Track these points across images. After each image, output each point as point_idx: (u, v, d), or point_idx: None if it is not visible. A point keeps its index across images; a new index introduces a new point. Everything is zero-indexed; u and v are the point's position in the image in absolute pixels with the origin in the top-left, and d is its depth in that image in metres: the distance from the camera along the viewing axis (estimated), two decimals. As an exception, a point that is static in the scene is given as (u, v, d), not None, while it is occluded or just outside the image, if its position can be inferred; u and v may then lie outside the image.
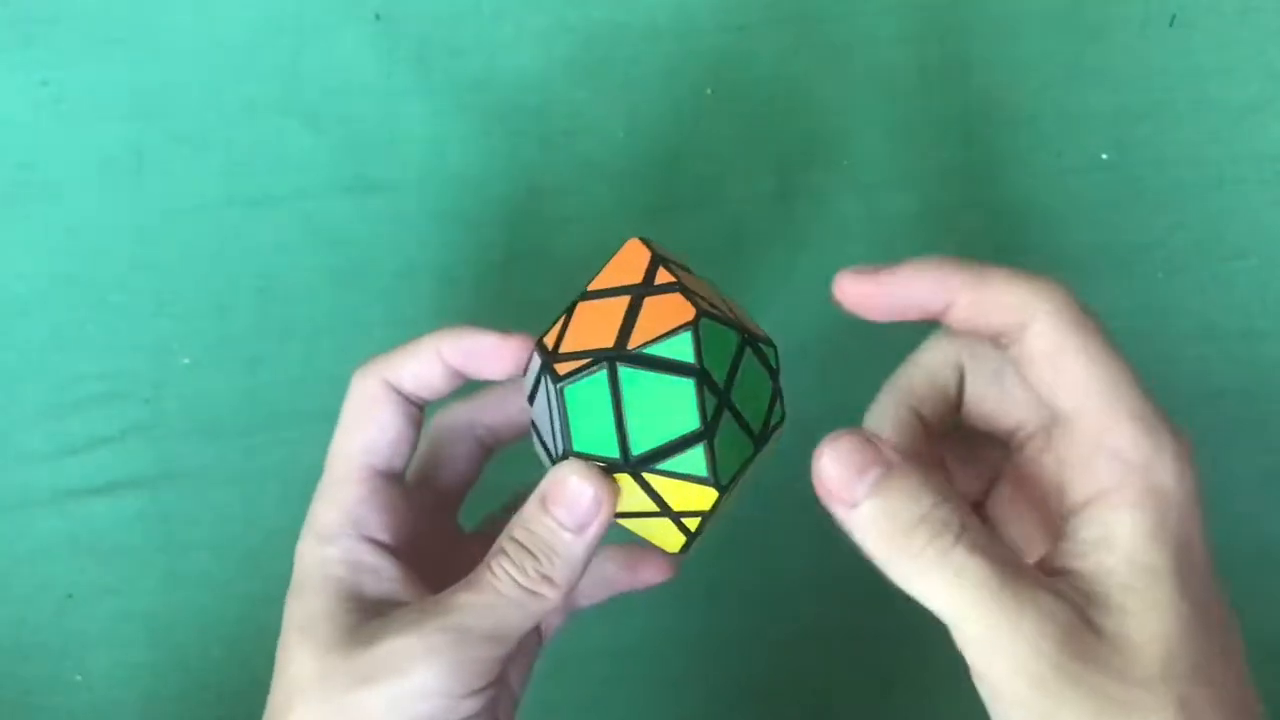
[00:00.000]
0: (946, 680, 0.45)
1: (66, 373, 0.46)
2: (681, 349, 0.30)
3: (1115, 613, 0.28)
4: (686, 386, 0.30)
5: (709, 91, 0.48)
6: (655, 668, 0.45)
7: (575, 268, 0.47)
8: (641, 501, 0.31)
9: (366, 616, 0.32)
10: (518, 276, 0.47)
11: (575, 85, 0.48)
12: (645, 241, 0.32)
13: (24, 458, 0.46)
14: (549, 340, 0.32)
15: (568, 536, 0.31)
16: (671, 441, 0.30)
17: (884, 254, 0.47)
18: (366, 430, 0.34)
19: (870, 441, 0.29)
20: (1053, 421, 0.31)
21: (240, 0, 0.49)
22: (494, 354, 0.34)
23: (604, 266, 0.32)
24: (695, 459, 0.30)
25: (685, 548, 0.32)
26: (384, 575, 0.33)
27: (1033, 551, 0.32)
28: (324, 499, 0.34)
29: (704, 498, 0.30)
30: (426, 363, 0.34)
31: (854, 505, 0.29)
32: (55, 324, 0.47)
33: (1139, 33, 0.48)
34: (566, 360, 0.31)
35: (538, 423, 0.33)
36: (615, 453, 0.30)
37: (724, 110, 0.48)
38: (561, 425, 0.31)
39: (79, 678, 0.45)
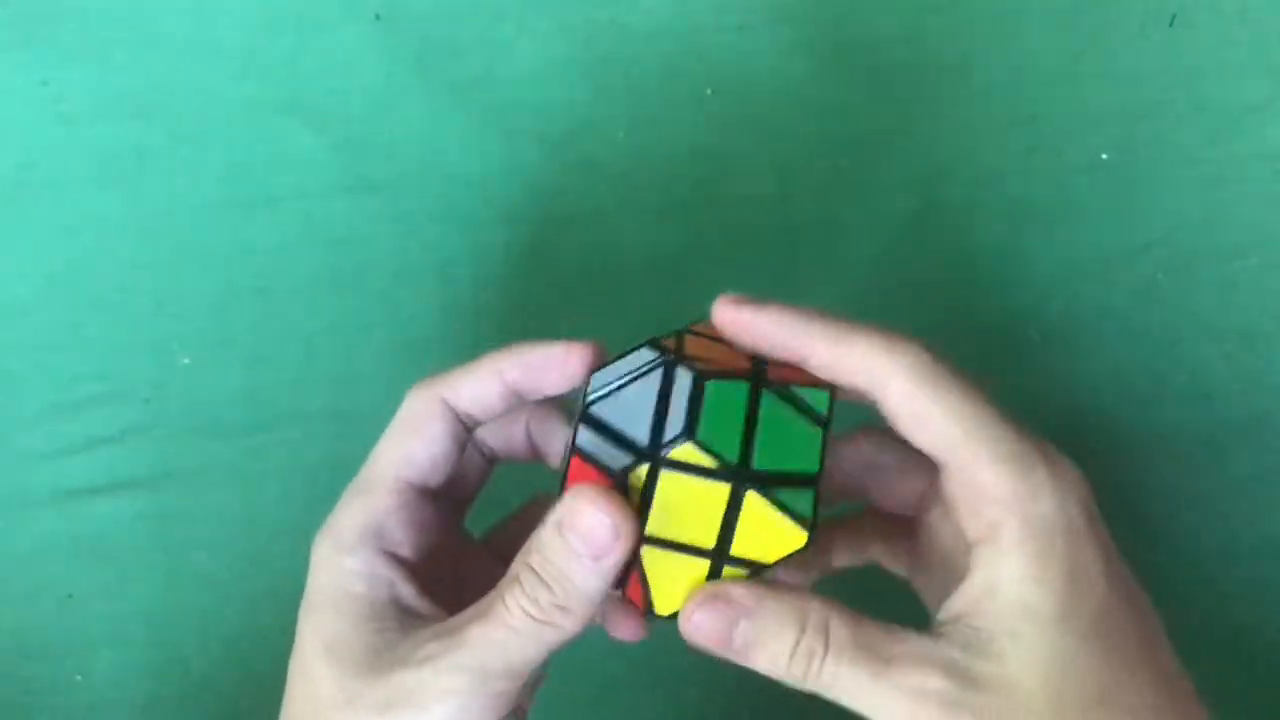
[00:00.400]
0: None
1: (66, 373, 0.46)
2: (820, 401, 0.32)
3: (997, 659, 0.29)
4: (817, 433, 0.31)
5: (709, 91, 0.48)
6: (655, 667, 0.45)
7: (575, 268, 0.47)
8: (700, 528, 0.31)
9: (388, 636, 0.32)
10: (518, 276, 0.47)
11: (575, 85, 0.48)
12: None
13: (24, 458, 0.46)
14: (673, 345, 0.32)
15: (583, 566, 0.30)
16: (789, 473, 0.31)
17: (884, 254, 0.47)
18: (409, 442, 0.34)
19: (719, 598, 0.31)
20: (943, 469, 0.32)
21: (240, 0, 0.49)
22: (559, 364, 0.33)
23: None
24: (804, 499, 0.31)
25: (673, 610, 0.32)
26: (402, 589, 0.33)
27: (955, 573, 0.33)
28: (351, 504, 0.34)
29: (788, 542, 0.31)
30: (484, 380, 0.34)
31: (738, 652, 0.31)
32: (55, 324, 0.47)
33: (1139, 33, 0.48)
34: (705, 364, 0.31)
35: (610, 417, 0.31)
36: (735, 457, 0.30)
37: (724, 110, 0.48)
38: (684, 413, 0.30)
39: (79, 678, 0.45)
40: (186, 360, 0.46)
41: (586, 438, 0.31)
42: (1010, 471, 0.30)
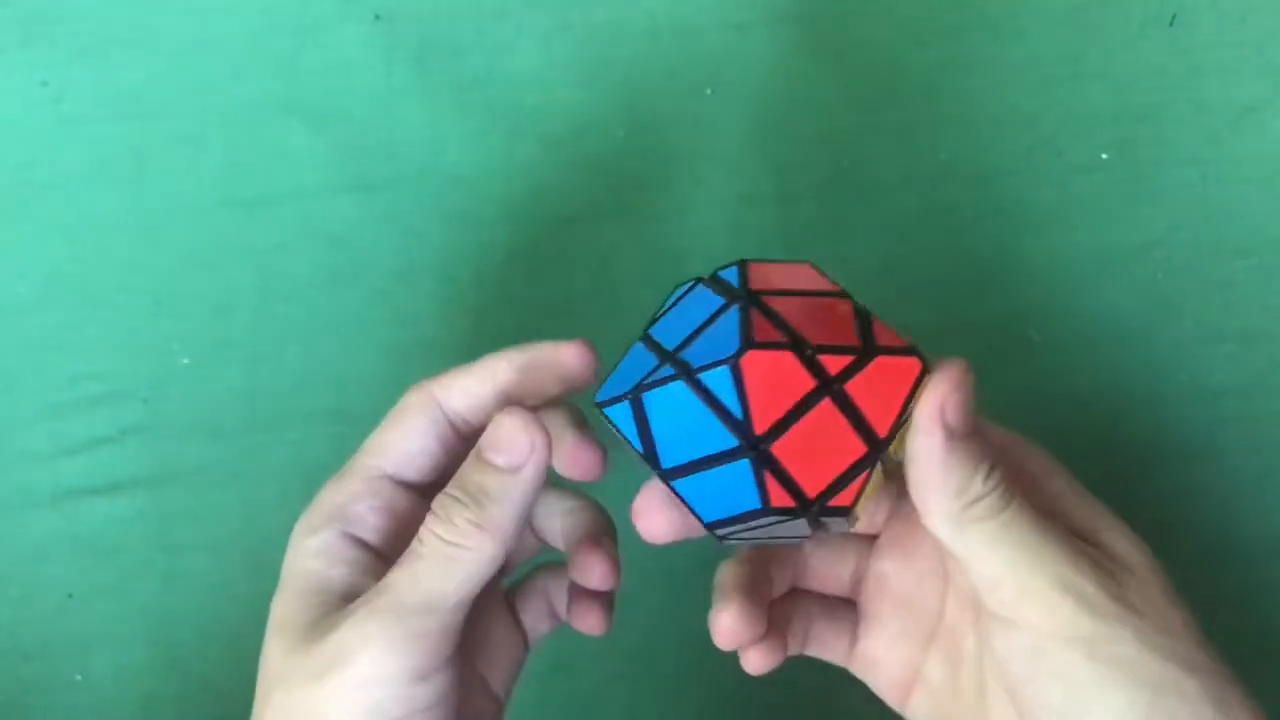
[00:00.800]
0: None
1: (66, 373, 0.46)
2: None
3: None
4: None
5: (709, 91, 0.48)
6: (655, 667, 0.45)
7: (575, 268, 0.47)
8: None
9: (329, 611, 0.31)
10: (518, 276, 0.47)
11: (575, 85, 0.48)
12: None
13: (24, 458, 0.46)
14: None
15: (501, 477, 0.30)
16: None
17: (884, 254, 0.47)
18: (390, 433, 0.34)
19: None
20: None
21: (240, 0, 0.49)
22: (552, 364, 0.33)
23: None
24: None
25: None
26: (358, 570, 0.32)
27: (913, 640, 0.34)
28: (327, 489, 0.34)
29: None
30: (478, 379, 0.33)
31: (952, 435, 0.29)
32: (55, 324, 0.47)
33: (1139, 33, 0.48)
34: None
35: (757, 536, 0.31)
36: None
37: (724, 110, 0.48)
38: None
39: (79, 677, 0.45)
40: (186, 360, 0.46)
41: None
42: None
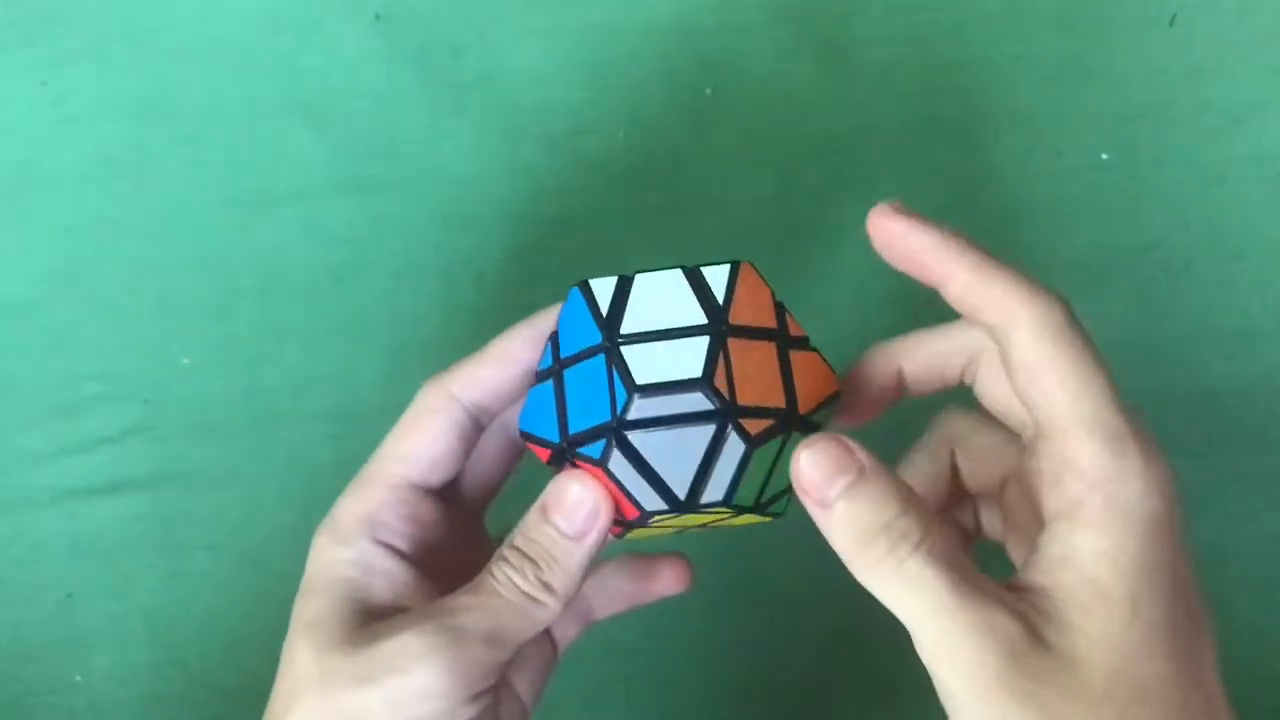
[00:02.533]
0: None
1: (66, 373, 0.46)
2: (826, 417, 0.33)
3: (1067, 630, 0.28)
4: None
5: (709, 91, 0.48)
6: (655, 667, 0.45)
7: (575, 268, 0.47)
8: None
9: (371, 619, 0.32)
10: (518, 276, 0.47)
11: (575, 85, 0.48)
12: (756, 270, 0.33)
13: (24, 458, 0.46)
14: (720, 383, 0.31)
15: (566, 544, 0.31)
16: (781, 491, 0.32)
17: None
18: (410, 439, 0.34)
19: (846, 445, 0.30)
20: (1036, 431, 0.31)
21: (240, 0, 0.49)
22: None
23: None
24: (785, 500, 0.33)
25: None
26: (396, 580, 0.33)
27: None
28: (350, 497, 0.34)
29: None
30: (495, 366, 0.34)
31: (827, 506, 0.30)
32: (55, 324, 0.47)
33: (1139, 33, 0.48)
34: (752, 417, 0.31)
35: (652, 458, 0.31)
36: (752, 501, 0.32)
37: (724, 110, 0.48)
38: (730, 478, 0.31)
39: (79, 678, 0.45)
40: (186, 360, 0.46)
41: (620, 464, 0.31)
42: (1104, 450, 0.29)
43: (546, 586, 0.31)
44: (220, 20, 0.48)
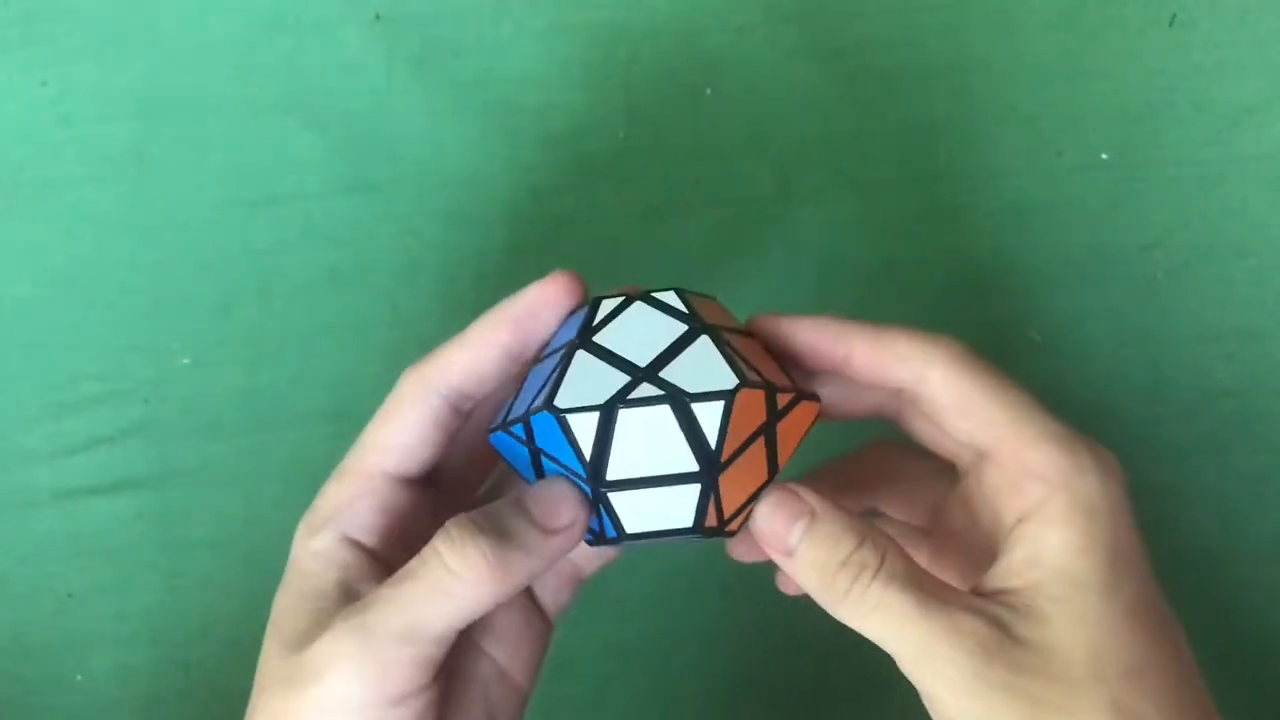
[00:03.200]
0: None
1: (66, 373, 0.46)
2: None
3: (1042, 623, 0.29)
4: None
5: (709, 91, 0.48)
6: (655, 667, 0.45)
7: (575, 268, 0.47)
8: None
9: (321, 616, 0.31)
10: (518, 276, 0.47)
11: (575, 85, 0.48)
12: (752, 385, 0.31)
13: (24, 458, 0.46)
14: (710, 521, 0.31)
15: (531, 531, 0.30)
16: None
17: (884, 254, 0.47)
18: (385, 428, 0.33)
19: (793, 493, 0.31)
20: (978, 457, 0.32)
21: (240, 0, 0.49)
22: (546, 303, 0.33)
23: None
24: None
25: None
26: (352, 574, 0.32)
27: (979, 569, 0.33)
28: (327, 488, 0.34)
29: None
30: (475, 351, 0.33)
31: (789, 554, 0.31)
32: (55, 324, 0.47)
33: (1139, 33, 0.48)
34: (735, 518, 0.31)
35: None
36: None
37: (724, 110, 0.48)
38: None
39: (79, 677, 0.45)
40: (186, 360, 0.46)
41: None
42: (1057, 450, 0.30)
43: (488, 562, 0.29)
44: (220, 20, 0.48)
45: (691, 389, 0.30)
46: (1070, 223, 0.47)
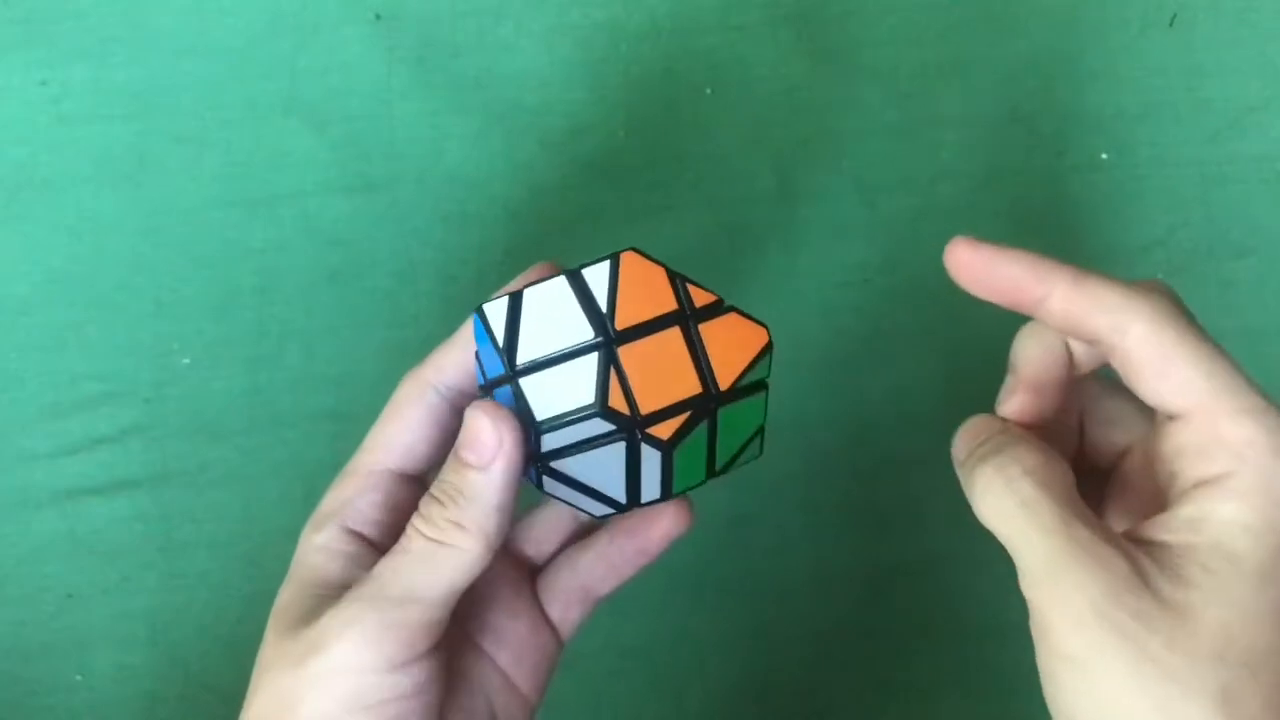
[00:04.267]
0: (946, 681, 0.45)
1: (66, 373, 0.46)
2: (761, 371, 0.32)
3: (1183, 586, 0.28)
4: (759, 401, 0.32)
5: (709, 91, 0.48)
6: (655, 666, 0.45)
7: (575, 268, 0.47)
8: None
9: (323, 602, 0.32)
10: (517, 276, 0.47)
11: (575, 85, 0.48)
12: (642, 254, 0.31)
13: (24, 458, 0.46)
14: (616, 402, 0.30)
15: (474, 476, 0.31)
16: (744, 443, 0.33)
17: (884, 254, 0.47)
18: (387, 427, 0.34)
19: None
20: (1171, 415, 0.31)
21: (240, 0, 0.49)
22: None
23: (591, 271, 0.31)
24: (756, 443, 0.33)
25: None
26: (354, 564, 0.33)
27: (1142, 519, 0.32)
28: (333, 488, 0.34)
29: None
30: (464, 347, 0.34)
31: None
32: (55, 324, 0.47)
33: (1139, 33, 0.48)
34: (661, 420, 0.30)
35: (579, 475, 0.32)
36: (703, 475, 0.32)
37: (724, 110, 0.48)
38: (659, 480, 0.31)
39: (79, 677, 0.45)
40: (186, 360, 0.46)
41: (553, 486, 0.32)
42: (1254, 423, 0.29)
43: (456, 525, 0.31)
44: (220, 20, 0.48)
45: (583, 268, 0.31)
46: (1070, 223, 0.47)
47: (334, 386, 0.46)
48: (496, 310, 0.31)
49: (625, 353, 0.30)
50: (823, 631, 0.45)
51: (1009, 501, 0.29)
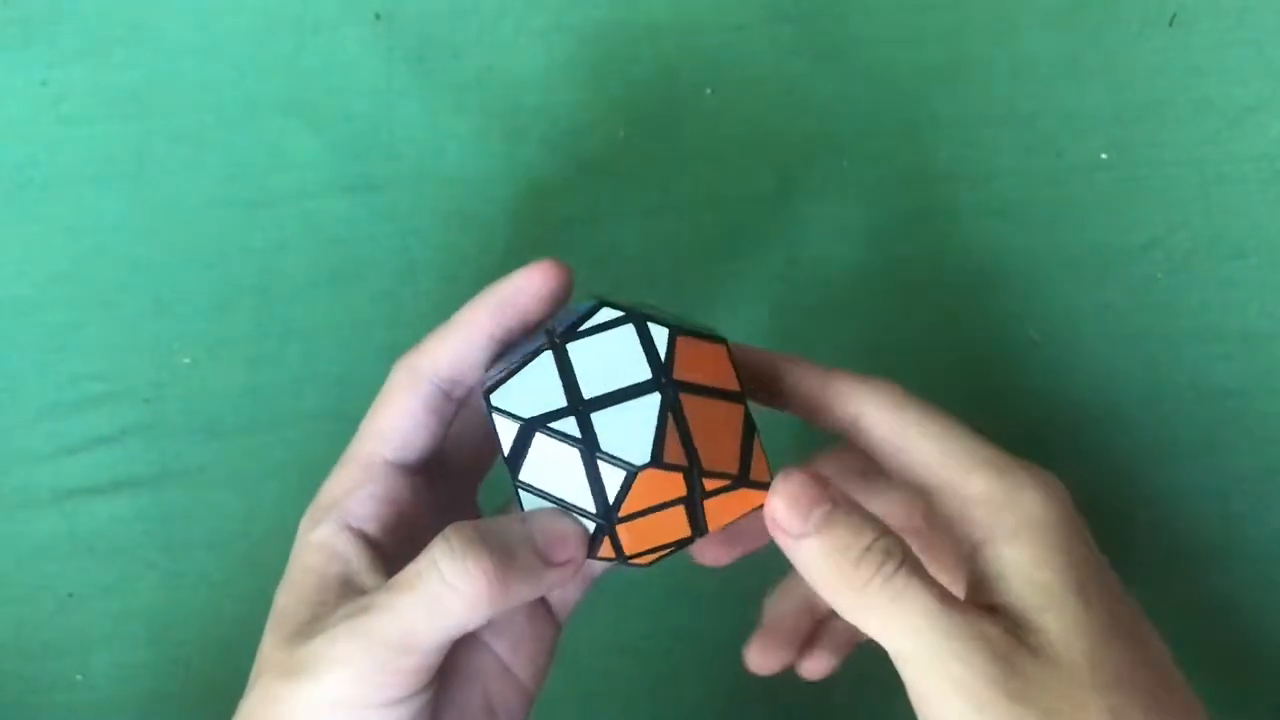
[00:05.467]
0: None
1: (66, 373, 0.46)
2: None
3: (1037, 633, 0.29)
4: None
5: (709, 91, 0.48)
6: (655, 665, 0.45)
7: (575, 268, 0.47)
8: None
9: (324, 609, 0.31)
10: (518, 276, 0.47)
11: (575, 85, 0.48)
12: (661, 466, 0.30)
13: (24, 458, 0.46)
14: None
15: (537, 561, 0.30)
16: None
17: (884, 254, 0.47)
18: (380, 416, 0.34)
19: (817, 480, 0.31)
20: (925, 490, 0.33)
21: (240, 0, 0.49)
22: (532, 289, 0.33)
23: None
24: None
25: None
26: (353, 565, 0.32)
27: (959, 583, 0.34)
28: (329, 480, 0.34)
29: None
30: (461, 337, 0.33)
31: (800, 538, 0.30)
32: (55, 324, 0.47)
33: (1139, 33, 0.48)
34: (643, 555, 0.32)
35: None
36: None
37: (724, 110, 0.48)
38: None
39: (80, 677, 0.45)
40: (186, 360, 0.46)
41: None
42: (992, 475, 0.31)
43: (489, 580, 0.29)
44: (220, 20, 0.48)
45: (605, 446, 0.30)
46: (1070, 223, 0.47)
47: (334, 386, 0.46)
48: (505, 427, 0.31)
49: (624, 529, 0.31)
50: (823, 631, 0.45)
51: (887, 596, 0.30)
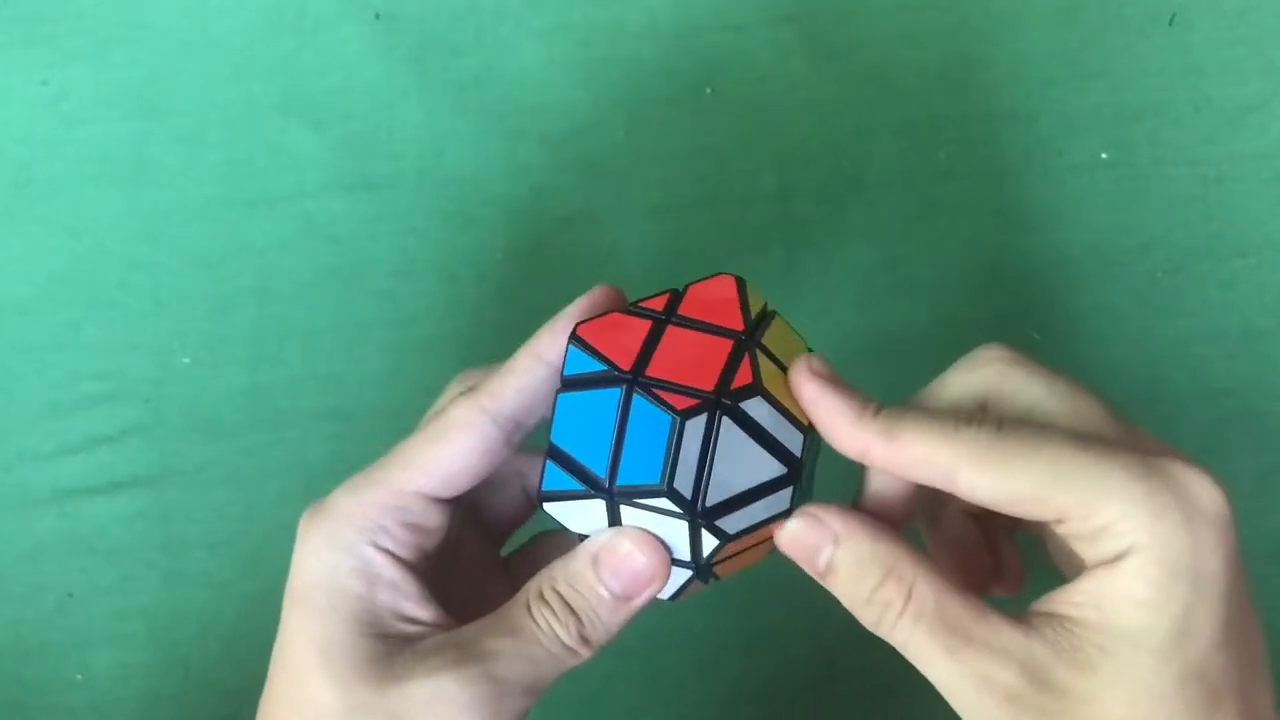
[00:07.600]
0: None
1: (66, 373, 0.46)
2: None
3: (1083, 671, 0.27)
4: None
5: (709, 91, 0.48)
6: (655, 666, 0.45)
7: (575, 268, 0.47)
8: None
9: (390, 644, 0.30)
10: (518, 276, 0.47)
11: (575, 85, 0.48)
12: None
13: (24, 458, 0.46)
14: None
15: (613, 603, 0.31)
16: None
17: (884, 254, 0.47)
18: (434, 450, 0.32)
19: (816, 518, 0.30)
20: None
21: (240, 0, 0.49)
22: (601, 306, 0.32)
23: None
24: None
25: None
26: (401, 594, 0.31)
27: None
28: (350, 496, 0.32)
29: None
30: (527, 374, 0.32)
31: (822, 574, 0.30)
32: (55, 324, 0.47)
33: (1139, 32, 0.48)
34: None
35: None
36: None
37: (724, 110, 0.48)
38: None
39: (80, 676, 0.45)
40: (186, 360, 0.46)
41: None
42: (1128, 502, 0.28)
43: (585, 641, 0.31)
44: (220, 20, 0.48)
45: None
46: (1070, 222, 0.47)
47: (334, 386, 0.46)
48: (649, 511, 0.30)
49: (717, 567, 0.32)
50: (824, 631, 0.45)
51: (896, 639, 0.29)
